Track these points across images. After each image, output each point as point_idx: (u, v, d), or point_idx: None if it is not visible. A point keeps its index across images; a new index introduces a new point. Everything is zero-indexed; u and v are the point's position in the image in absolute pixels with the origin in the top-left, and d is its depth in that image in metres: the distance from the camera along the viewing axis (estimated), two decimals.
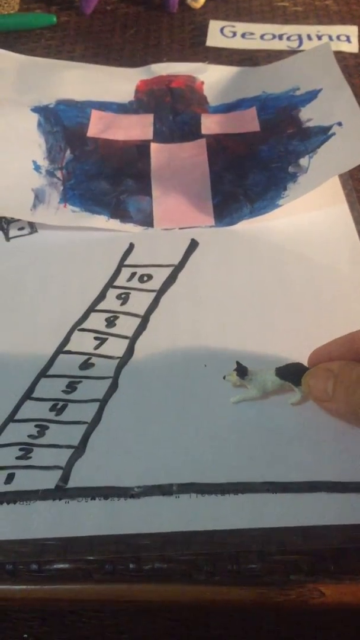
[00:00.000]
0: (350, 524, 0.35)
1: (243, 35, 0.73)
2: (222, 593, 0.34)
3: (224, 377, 0.41)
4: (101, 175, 0.56)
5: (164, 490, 0.37)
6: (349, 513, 0.36)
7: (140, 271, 0.49)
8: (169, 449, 0.39)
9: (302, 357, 0.41)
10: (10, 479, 0.38)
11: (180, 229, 0.52)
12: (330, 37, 0.71)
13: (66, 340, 0.44)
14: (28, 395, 0.42)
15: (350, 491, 0.36)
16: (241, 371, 0.40)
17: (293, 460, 0.38)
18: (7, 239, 0.52)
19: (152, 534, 0.35)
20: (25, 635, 0.42)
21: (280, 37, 0.72)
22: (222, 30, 0.74)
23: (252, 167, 0.56)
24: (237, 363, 0.40)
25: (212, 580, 0.34)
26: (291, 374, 0.40)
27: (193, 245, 0.51)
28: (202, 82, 0.66)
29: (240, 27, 0.74)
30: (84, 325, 0.45)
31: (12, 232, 0.52)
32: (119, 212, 0.53)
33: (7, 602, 0.35)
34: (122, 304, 0.47)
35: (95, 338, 0.44)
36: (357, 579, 0.34)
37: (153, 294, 0.47)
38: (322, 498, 0.36)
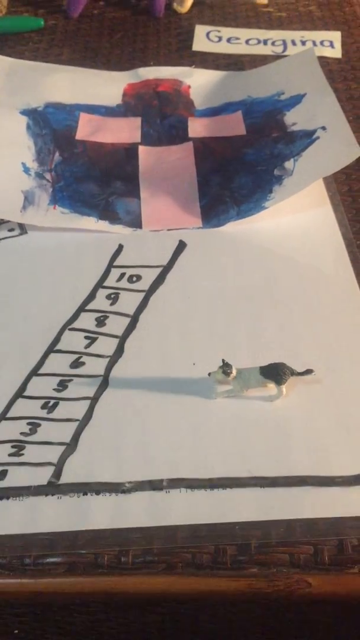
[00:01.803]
0: (336, 517, 0.36)
1: (229, 40, 0.74)
2: (212, 584, 0.35)
3: (209, 374, 0.42)
4: (90, 178, 0.57)
5: (155, 485, 0.38)
6: (334, 506, 0.37)
7: (129, 272, 0.50)
8: (159, 446, 0.39)
9: (286, 356, 0.43)
10: (3, 475, 0.38)
11: (169, 230, 0.53)
12: (314, 43, 0.73)
13: (57, 339, 0.45)
14: (20, 393, 0.42)
15: (336, 485, 0.38)
16: (226, 369, 0.41)
17: (280, 455, 0.39)
18: None
19: (142, 528, 0.36)
20: (16, 631, 0.42)
21: (265, 42, 0.74)
22: (208, 35, 0.75)
23: (238, 170, 0.57)
24: (223, 361, 0.41)
25: (201, 573, 0.35)
26: (274, 373, 0.41)
27: (181, 246, 0.52)
28: (189, 86, 0.67)
29: (226, 32, 0.75)
30: (75, 325, 0.46)
31: (2, 233, 0.53)
32: (108, 213, 0.54)
33: (1, 595, 0.36)
34: (111, 304, 0.47)
35: (86, 337, 0.45)
36: (343, 570, 0.35)
37: (142, 294, 0.48)
38: (309, 492, 0.37)
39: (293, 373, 0.41)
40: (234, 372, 0.41)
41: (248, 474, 0.38)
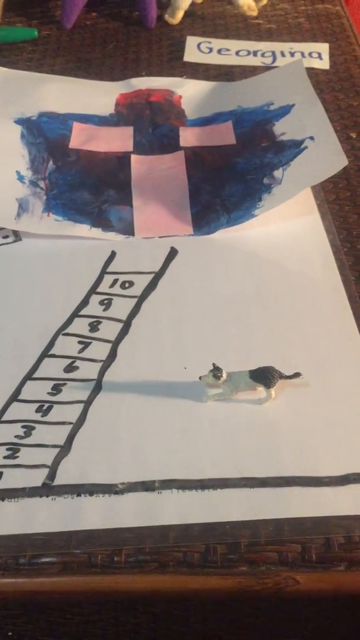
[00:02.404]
0: (323, 516, 0.37)
1: (219, 51, 0.76)
2: (202, 582, 0.36)
3: (200, 378, 0.43)
4: (83, 186, 0.58)
5: (147, 486, 0.39)
6: (321, 505, 0.38)
7: (122, 278, 0.51)
8: (151, 447, 0.40)
9: (275, 360, 0.44)
10: None
11: (160, 237, 0.54)
12: (302, 54, 0.74)
13: (51, 344, 0.46)
14: (15, 397, 0.43)
15: (323, 485, 0.39)
16: (216, 372, 0.42)
17: (269, 456, 0.40)
18: None
19: (135, 528, 0.37)
20: (10, 633, 0.43)
21: (255, 53, 0.75)
22: (198, 46, 0.76)
23: (228, 179, 0.58)
24: (213, 365, 0.42)
25: (192, 571, 0.36)
26: (263, 376, 0.42)
27: (173, 253, 0.53)
28: (180, 96, 0.68)
29: (217, 43, 0.77)
30: (68, 330, 0.47)
31: None
32: (101, 221, 0.55)
33: None
34: (104, 310, 0.48)
35: (79, 342, 0.46)
36: (329, 567, 0.36)
37: (134, 300, 0.49)
38: (297, 492, 0.38)
39: (282, 376, 0.43)
40: (224, 375, 0.42)
41: (238, 475, 0.39)
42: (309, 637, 0.43)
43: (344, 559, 0.36)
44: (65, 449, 0.40)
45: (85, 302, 0.49)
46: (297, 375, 0.43)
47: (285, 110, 0.63)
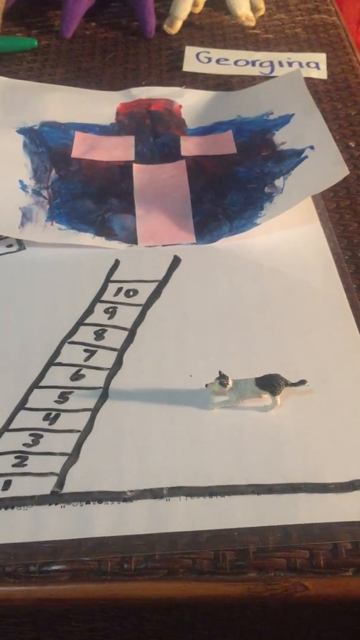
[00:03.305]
0: (330, 522, 0.38)
1: (218, 61, 0.76)
2: (212, 589, 0.37)
3: (206, 385, 0.43)
4: (86, 195, 0.58)
5: (155, 493, 0.39)
6: (328, 512, 0.38)
7: (126, 286, 0.51)
8: (159, 455, 0.41)
9: (280, 367, 0.44)
10: (7, 485, 0.39)
11: (163, 246, 0.54)
12: (300, 64, 0.75)
13: (57, 352, 0.46)
14: (22, 405, 0.43)
15: (329, 491, 0.39)
16: (223, 380, 0.42)
17: (275, 463, 0.40)
18: None
19: (144, 535, 0.37)
20: None
21: (253, 63, 0.76)
22: (197, 55, 0.77)
23: (230, 188, 0.59)
24: (219, 372, 0.43)
25: (202, 578, 0.36)
26: (269, 384, 0.43)
27: (176, 261, 0.53)
28: (180, 106, 0.69)
29: (215, 53, 0.77)
30: (74, 339, 0.47)
31: (1, 249, 0.54)
32: (104, 229, 0.55)
33: (8, 602, 0.36)
34: (109, 318, 0.49)
35: (85, 350, 0.47)
36: (337, 573, 0.37)
37: (139, 308, 0.49)
38: (304, 498, 0.39)
39: (287, 384, 0.43)
40: (230, 383, 0.42)
41: (245, 482, 0.39)
42: None
43: (351, 564, 0.36)
44: (73, 456, 0.41)
45: (90, 311, 0.49)
46: (302, 382, 0.43)
47: (284, 120, 0.64)
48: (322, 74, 0.74)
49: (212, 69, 0.75)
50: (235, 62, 0.76)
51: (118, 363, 0.46)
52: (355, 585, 0.36)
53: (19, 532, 0.37)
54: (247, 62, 0.76)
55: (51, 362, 0.46)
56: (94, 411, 0.43)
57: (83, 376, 0.45)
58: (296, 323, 0.48)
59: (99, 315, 0.49)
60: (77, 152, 0.62)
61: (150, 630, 0.42)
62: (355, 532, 0.37)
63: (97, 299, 0.50)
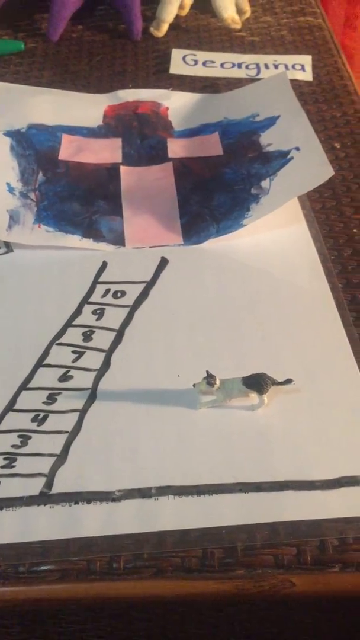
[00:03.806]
0: (317, 519, 0.38)
1: (204, 64, 0.77)
2: (200, 587, 0.37)
3: (194, 385, 0.43)
4: (73, 197, 0.58)
5: (144, 493, 0.39)
6: (315, 509, 0.38)
7: (114, 288, 0.51)
8: (147, 455, 0.41)
9: (266, 366, 0.44)
10: None
11: (151, 247, 0.55)
12: (286, 66, 0.76)
13: (45, 354, 0.47)
14: (10, 407, 0.43)
15: (316, 489, 0.39)
16: (210, 380, 0.43)
17: (263, 461, 0.41)
18: None
19: (133, 534, 0.38)
20: None
21: (240, 65, 0.76)
22: (184, 58, 0.77)
23: (216, 189, 0.59)
24: (207, 372, 0.43)
25: (190, 576, 0.37)
26: (256, 383, 0.43)
27: (163, 262, 0.53)
28: (167, 108, 0.69)
29: (202, 55, 0.78)
30: (62, 340, 0.48)
31: None
32: (92, 231, 0.56)
33: None
34: (97, 319, 0.49)
35: (73, 352, 0.47)
36: (324, 569, 0.37)
37: (127, 309, 0.50)
38: (291, 496, 0.39)
39: (274, 383, 0.43)
40: (218, 382, 0.43)
41: (233, 480, 0.40)
42: None
43: (338, 560, 0.37)
44: (61, 457, 0.41)
45: (78, 312, 0.49)
46: (288, 381, 0.44)
47: (270, 122, 0.65)
48: (307, 76, 0.74)
49: (199, 71, 0.76)
50: (222, 65, 0.77)
51: (106, 364, 0.46)
52: (342, 581, 0.37)
53: (7, 532, 0.37)
54: (234, 65, 0.76)
55: (39, 364, 0.46)
56: (82, 412, 0.43)
57: (71, 377, 0.45)
58: (283, 323, 0.49)
59: (87, 317, 0.49)
60: (64, 154, 0.63)
61: (141, 631, 0.43)
62: (342, 529, 0.38)
63: (85, 300, 0.50)
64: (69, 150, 0.63)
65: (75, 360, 0.46)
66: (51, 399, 0.44)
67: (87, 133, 0.65)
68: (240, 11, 0.82)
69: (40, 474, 0.40)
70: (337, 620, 0.42)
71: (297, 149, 0.60)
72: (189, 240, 0.55)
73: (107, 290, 0.51)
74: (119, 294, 0.51)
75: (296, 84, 0.72)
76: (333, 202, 0.59)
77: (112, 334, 0.48)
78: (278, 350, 0.47)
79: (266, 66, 0.76)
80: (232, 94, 0.71)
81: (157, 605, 0.39)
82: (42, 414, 0.43)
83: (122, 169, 0.61)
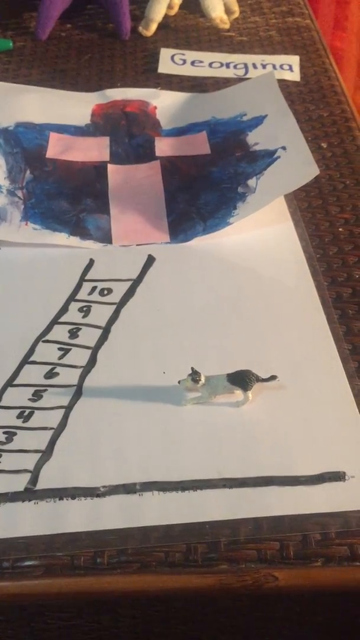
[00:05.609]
0: (300, 514, 0.38)
1: (192, 63, 0.77)
2: (184, 581, 0.37)
3: (179, 382, 0.44)
4: (61, 195, 0.59)
5: (128, 489, 0.39)
6: (299, 504, 0.39)
7: (100, 285, 0.51)
8: (132, 451, 0.41)
9: (251, 363, 0.45)
10: None
11: (138, 245, 0.55)
12: (274, 66, 0.76)
13: (31, 351, 0.47)
14: None
15: (300, 484, 0.40)
16: (195, 376, 0.43)
17: (247, 457, 0.41)
18: None
19: (117, 530, 0.38)
20: None
21: (228, 65, 0.77)
22: (172, 57, 0.78)
23: (204, 188, 0.59)
24: (192, 369, 0.43)
25: (174, 570, 0.37)
26: (241, 380, 0.43)
27: (150, 260, 0.54)
28: (155, 107, 0.69)
29: (190, 55, 0.78)
30: (48, 337, 0.48)
31: None
32: (79, 229, 0.56)
33: None
34: (84, 317, 0.49)
35: (59, 349, 0.47)
36: (307, 563, 0.37)
37: (113, 307, 0.50)
38: (275, 491, 0.39)
39: (258, 379, 0.44)
40: (203, 379, 0.43)
41: (217, 476, 0.40)
42: (288, 635, 0.44)
43: (320, 555, 0.37)
44: (46, 453, 0.41)
45: (64, 310, 0.50)
46: (273, 378, 0.44)
47: (258, 121, 0.65)
48: (295, 76, 0.75)
49: (187, 70, 0.76)
50: (210, 64, 0.77)
51: (92, 361, 0.46)
52: (324, 575, 0.37)
53: None
54: (222, 64, 0.77)
55: (25, 361, 0.46)
56: (68, 409, 0.43)
57: (57, 374, 0.45)
58: (268, 320, 0.49)
59: (73, 314, 0.49)
60: (52, 152, 0.63)
61: (126, 627, 0.43)
62: (325, 523, 0.38)
63: (72, 298, 0.50)
64: (56, 148, 0.63)
65: (61, 357, 0.46)
66: (37, 395, 0.44)
67: (75, 131, 0.65)
68: (228, 11, 0.82)
69: (25, 470, 0.40)
70: (320, 613, 0.42)
71: (284, 148, 0.60)
72: (175, 238, 0.55)
73: (94, 288, 0.51)
74: (105, 292, 0.51)
75: (284, 84, 0.72)
76: (319, 201, 0.59)
77: (98, 331, 0.48)
78: (263, 347, 0.47)
79: (254, 66, 0.76)
80: (220, 94, 0.71)
81: (141, 600, 0.39)
82: (27, 411, 0.43)
83: (110, 167, 0.62)
